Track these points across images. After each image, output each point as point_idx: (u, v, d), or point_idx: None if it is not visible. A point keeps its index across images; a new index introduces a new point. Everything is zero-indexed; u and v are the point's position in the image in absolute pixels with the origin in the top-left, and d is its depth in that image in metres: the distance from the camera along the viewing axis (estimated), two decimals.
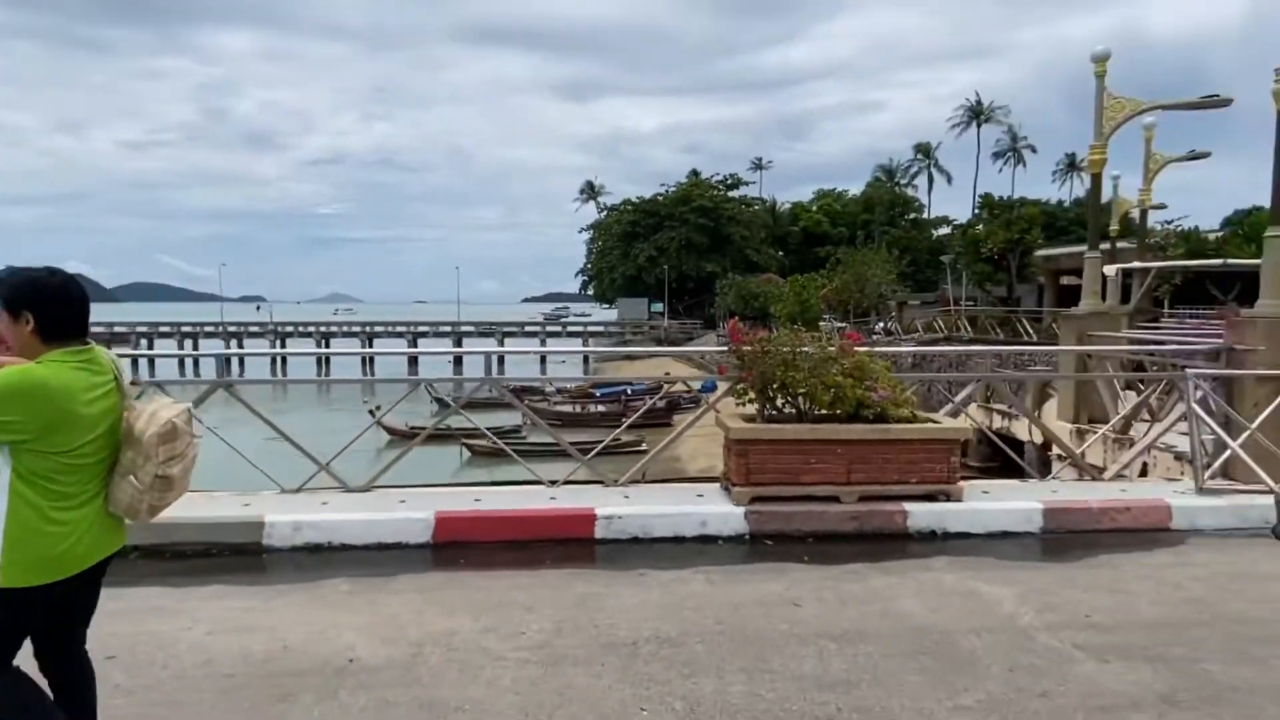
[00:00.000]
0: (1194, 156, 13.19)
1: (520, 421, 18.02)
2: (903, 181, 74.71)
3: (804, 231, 67.59)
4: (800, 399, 5.32)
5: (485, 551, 4.69)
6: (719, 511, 5.10)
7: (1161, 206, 19.17)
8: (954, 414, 6.41)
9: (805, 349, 5.26)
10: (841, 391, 5.12)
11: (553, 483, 5.63)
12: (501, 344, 57.01)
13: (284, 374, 41.10)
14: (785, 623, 3.66)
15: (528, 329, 66.73)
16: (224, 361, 23.04)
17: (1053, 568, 4.66)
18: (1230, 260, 14.72)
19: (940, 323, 37.70)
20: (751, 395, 5.47)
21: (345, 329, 64.34)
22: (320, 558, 4.62)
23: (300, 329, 62.02)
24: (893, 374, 5.66)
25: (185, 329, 59.01)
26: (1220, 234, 24.51)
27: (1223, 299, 21.35)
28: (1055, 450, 10.12)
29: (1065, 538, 5.19)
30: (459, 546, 4.74)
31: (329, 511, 4.95)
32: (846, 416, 5.20)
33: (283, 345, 58.68)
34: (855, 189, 72.82)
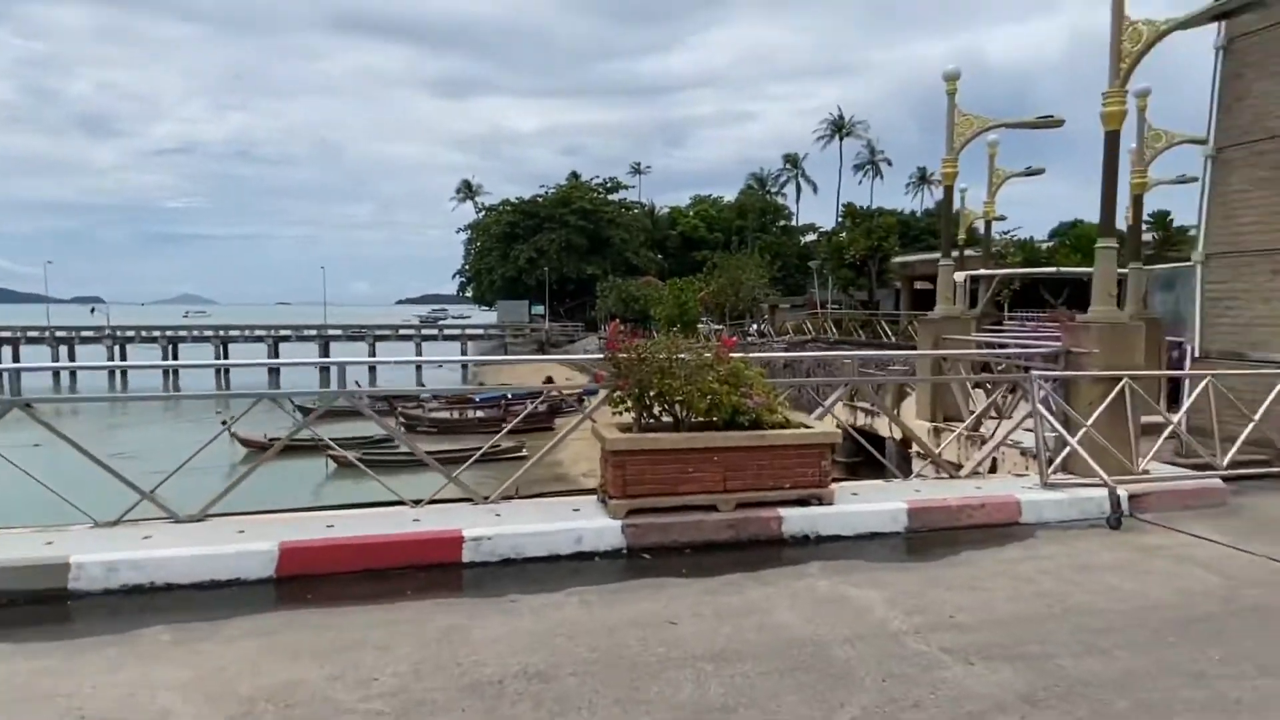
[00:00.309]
0: (1031, 172, 14.42)
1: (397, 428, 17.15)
2: (773, 190, 78.08)
3: (682, 236, 69.08)
4: (677, 407, 5.23)
5: (338, 585, 4.26)
6: (595, 526, 4.91)
7: (1002, 218, 20.93)
8: (822, 417, 6.55)
9: (682, 356, 5.17)
10: (718, 399, 5.06)
11: (416, 502, 5.23)
12: (373, 348, 54.35)
13: (124, 385, 37.24)
14: (662, 645, 3.51)
15: (402, 332, 64.06)
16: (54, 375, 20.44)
17: (918, 568, 4.80)
18: (1062, 269, 16.17)
19: (809, 325, 39.51)
20: (628, 404, 5.32)
21: (196, 334, 59.24)
22: (139, 602, 4.02)
23: (143, 334, 56.44)
24: (766, 379, 5.68)
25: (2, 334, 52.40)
26: (1050, 244, 27.08)
27: (1054, 303, 23.60)
28: (915, 448, 10.74)
29: (928, 536, 5.38)
30: (307, 580, 4.27)
31: (151, 547, 4.34)
32: (723, 424, 5.16)
33: (122, 351, 53.27)
34: (729, 195, 75.32)
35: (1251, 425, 6.60)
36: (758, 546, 5.01)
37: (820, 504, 5.35)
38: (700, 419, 5.20)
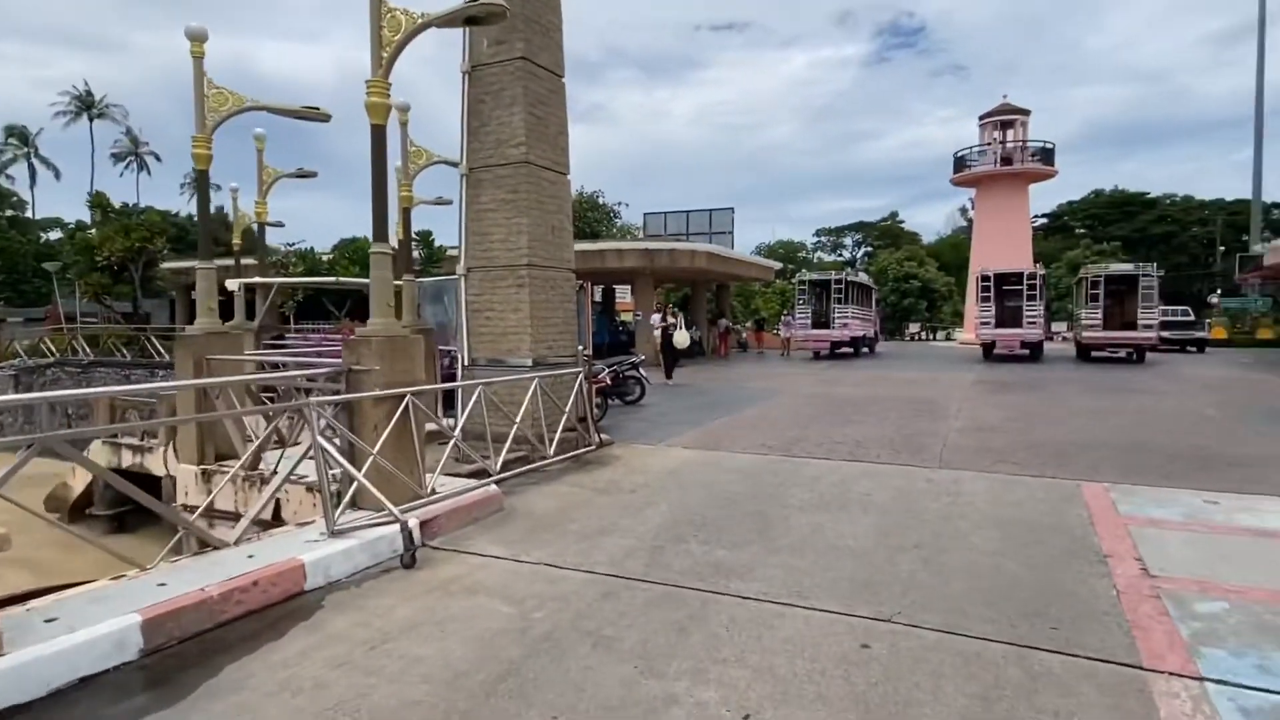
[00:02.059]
0: (303, 174, 13.60)
1: None
2: None
3: None
4: None
5: None
6: None
7: (279, 224, 19.69)
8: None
9: None
10: None
11: None
12: None
13: None
14: None
15: None
16: None
17: None
18: (343, 279, 15.94)
19: (50, 344, 30.65)
20: None
21: None
22: None
23: None
24: None
25: None
26: (331, 255, 27.36)
27: (339, 315, 23.78)
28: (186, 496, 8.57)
29: (180, 653, 3.71)
30: None
31: None
32: None
33: None
34: None
35: (515, 427, 7.06)
36: None
37: None
38: None
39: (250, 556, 4.67)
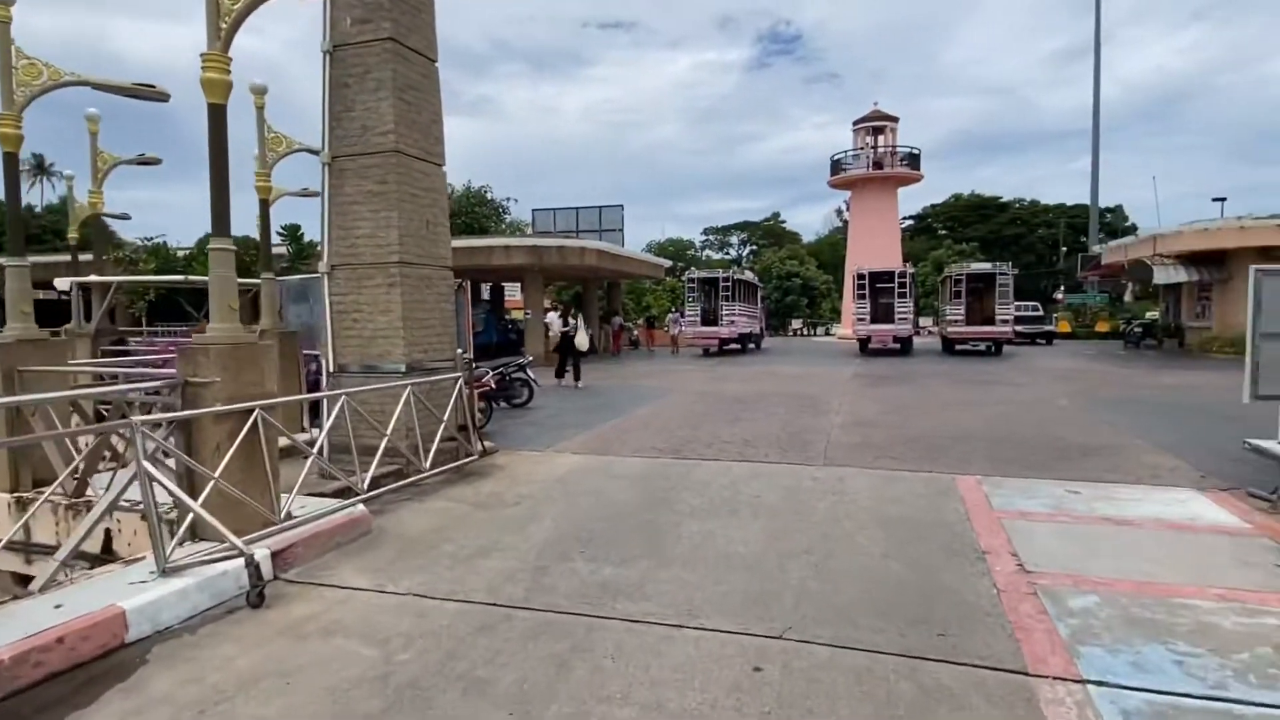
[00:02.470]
0: (145, 161, 12.19)
1: None
2: None
3: None
4: None
5: None
6: None
7: (124, 216, 17.81)
8: None
9: None
10: None
11: None
12: None
13: None
14: None
15: None
16: None
17: None
18: (192, 277, 14.51)
19: None
20: None
21: None
22: None
23: None
24: None
25: None
26: (189, 251, 25.06)
27: (197, 316, 21.76)
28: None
29: None
30: None
31: None
32: None
33: None
34: None
35: (386, 439, 6.50)
36: None
37: None
38: None
39: (58, 606, 3.95)
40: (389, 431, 6.52)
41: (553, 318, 20.56)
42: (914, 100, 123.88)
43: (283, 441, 5.66)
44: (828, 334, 49.78)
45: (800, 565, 4.80)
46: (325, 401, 6.70)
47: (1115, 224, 62.27)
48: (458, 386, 7.68)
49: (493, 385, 10.32)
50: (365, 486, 6.12)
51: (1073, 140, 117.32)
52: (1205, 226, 23.52)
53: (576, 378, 16.37)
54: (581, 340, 16.53)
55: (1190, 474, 7.31)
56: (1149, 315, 32.99)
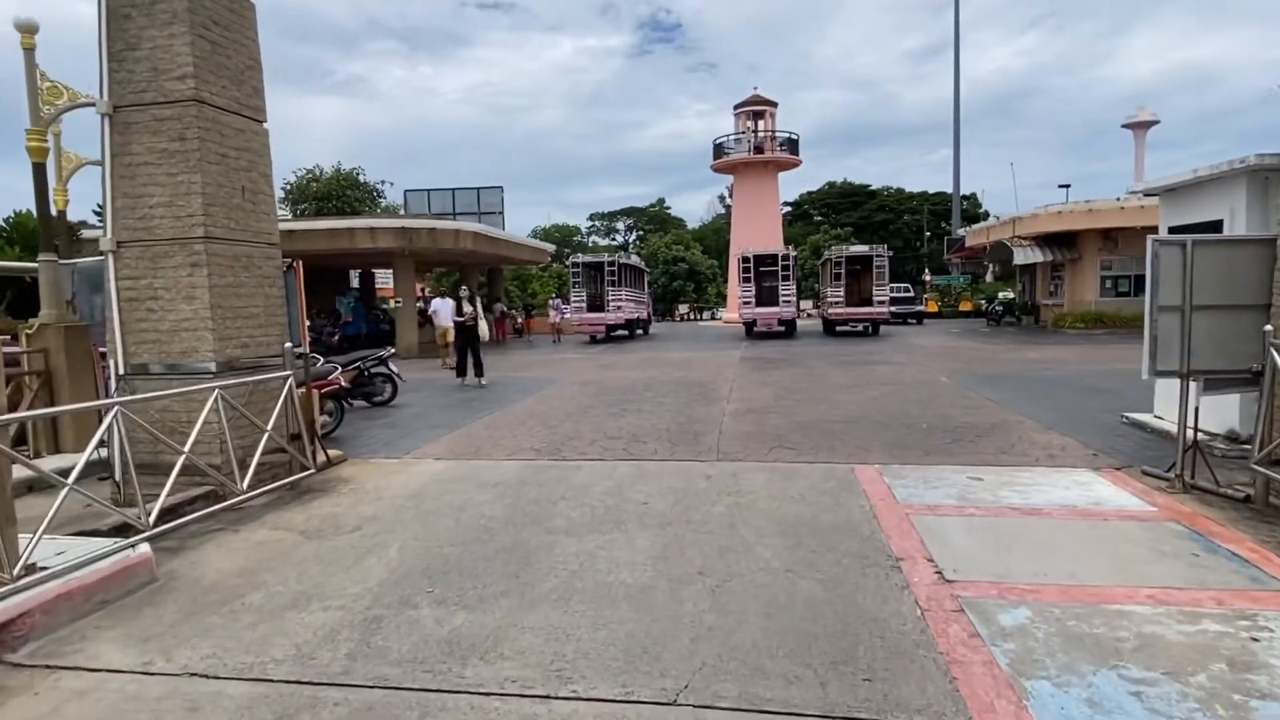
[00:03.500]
0: None
1: None
2: None
3: None
4: None
5: None
6: None
7: None
8: None
9: None
10: None
11: None
12: None
13: None
14: None
15: None
16: None
17: None
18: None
19: None
20: None
21: None
22: None
23: None
24: None
25: None
26: None
27: None
28: None
29: None
30: None
31: None
32: None
33: None
34: None
35: (184, 456, 5.19)
36: None
37: None
38: None
39: None
40: (187, 447, 5.21)
41: (439, 305, 18.50)
42: (786, 93, 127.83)
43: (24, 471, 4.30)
44: (714, 318, 50.14)
45: (696, 593, 4.02)
46: (102, 412, 5.29)
47: (971, 210, 66.37)
48: (287, 387, 6.41)
49: (343, 383, 8.99)
50: (153, 520, 4.82)
51: (929, 133, 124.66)
52: (1059, 209, 24.94)
53: (479, 373, 14.28)
54: (483, 329, 14.67)
55: (1082, 452, 7.16)
56: (1001, 295, 35.01)
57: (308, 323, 18.68)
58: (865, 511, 5.45)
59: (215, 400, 5.61)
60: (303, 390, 7.04)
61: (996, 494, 5.84)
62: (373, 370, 11.22)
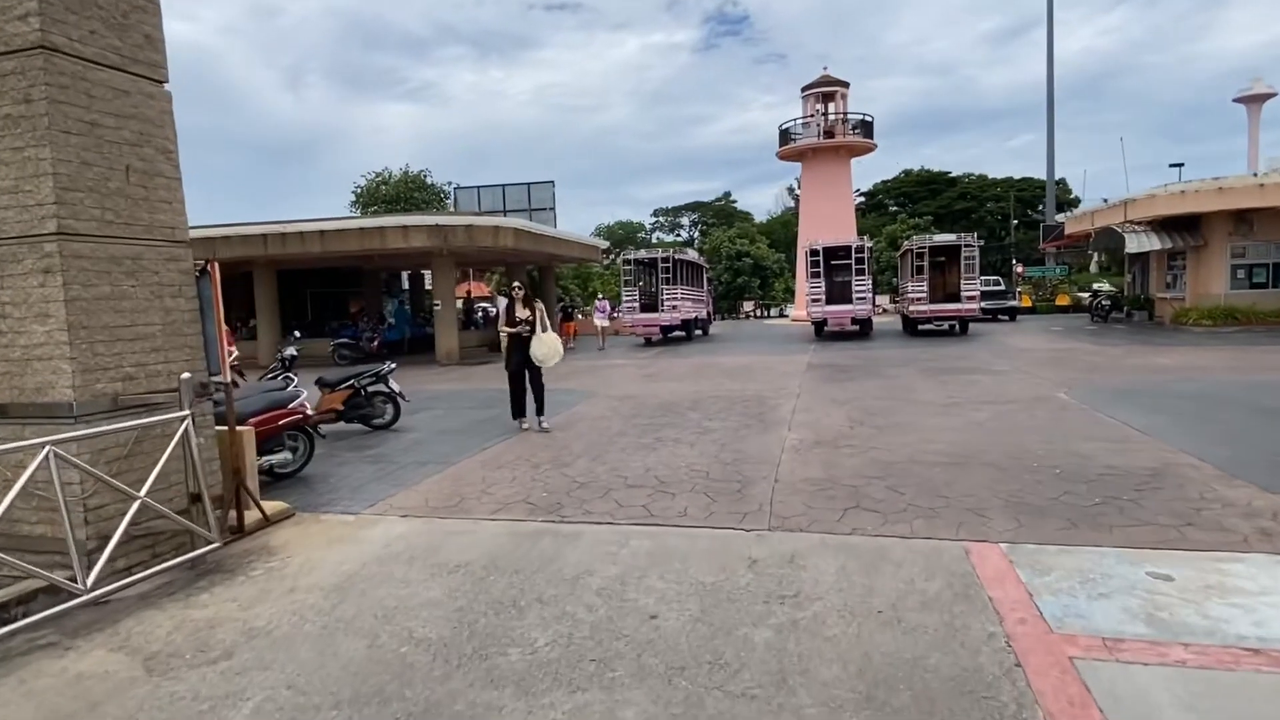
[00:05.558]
0: None
1: None
2: None
3: None
4: None
5: None
6: None
7: None
8: None
9: None
10: None
11: None
12: None
13: None
14: None
15: None
16: None
17: None
18: None
19: None
20: None
21: None
22: None
23: None
24: None
25: None
26: None
27: None
28: None
29: None
30: None
31: None
32: None
33: None
34: None
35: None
36: None
37: None
38: None
39: None
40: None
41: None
42: (858, 81, 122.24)
43: None
44: (782, 315, 47.53)
45: None
46: None
47: (1061, 196, 61.39)
48: (181, 431, 4.77)
49: (308, 413, 7.38)
50: None
51: (1008, 119, 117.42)
52: (1181, 189, 21.61)
53: (540, 410, 9.55)
54: (554, 345, 9.32)
55: None
56: (1096, 286, 31.33)
57: (297, 334, 17.41)
58: (999, 648, 3.40)
59: (46, 456, 3.99)
60: (226, 430, 5.42)
61: (1205, 610, 3.68)
62: (370, 389, 9.65)
